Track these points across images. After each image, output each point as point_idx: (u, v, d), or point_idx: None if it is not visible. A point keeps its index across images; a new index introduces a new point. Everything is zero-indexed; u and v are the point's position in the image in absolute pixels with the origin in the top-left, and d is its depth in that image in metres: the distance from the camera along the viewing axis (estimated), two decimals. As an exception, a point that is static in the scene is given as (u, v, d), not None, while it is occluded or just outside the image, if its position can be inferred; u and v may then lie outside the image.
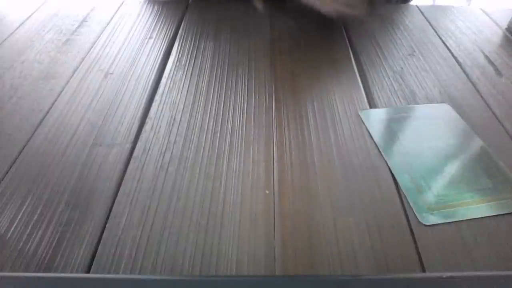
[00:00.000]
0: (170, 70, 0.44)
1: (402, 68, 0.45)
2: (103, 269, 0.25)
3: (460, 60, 0.46)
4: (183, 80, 0.42)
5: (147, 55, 0.46)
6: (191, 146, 0.34)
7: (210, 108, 0.38)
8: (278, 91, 0.41)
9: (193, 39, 0.50)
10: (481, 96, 0.40)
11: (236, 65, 0.45)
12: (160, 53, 0.47)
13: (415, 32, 0.52)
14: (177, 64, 0.45)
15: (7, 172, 0.31)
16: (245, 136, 0.35)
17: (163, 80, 0.42)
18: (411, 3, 0.62)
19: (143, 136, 0.35)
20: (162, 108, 0.38)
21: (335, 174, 0.31)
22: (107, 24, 0.53)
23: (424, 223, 0.28)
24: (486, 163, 0.32)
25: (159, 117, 0.37)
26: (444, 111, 0.38)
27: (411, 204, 0.29)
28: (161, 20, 0.54)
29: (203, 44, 0.49)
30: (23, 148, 0.34)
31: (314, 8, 0.46)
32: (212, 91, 0.40)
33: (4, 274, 0.24)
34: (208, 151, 0.33)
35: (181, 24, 0.53)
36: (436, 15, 0.56)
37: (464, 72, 0.44)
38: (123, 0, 0.59)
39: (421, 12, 0.57)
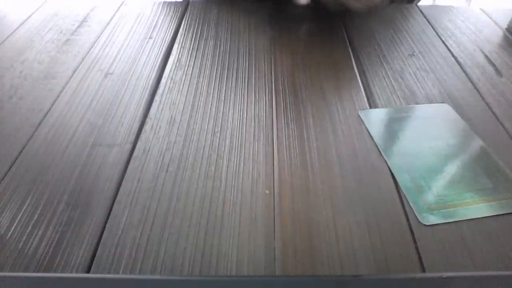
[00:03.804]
0: (170, 70, 0.44)
1: (402, 68, 0.45)
2: (103, 269, 0.25)
3: (460, 60, 0.46)
4: (183, 80, 0.42)
5: (147, 55, 0.46)
6: (191, 146, 0.34)
7: (210, 108, 0.38)
8: (278, 91, 0.41)
9: (193, 39, 0.50)
10: (481, 96, 0.40)
11: (236, 65, 0.45)
12: (160, 53, 0.47)
13: (415, 32, 0.52)
14: (177, 64, 0.45)
15: (7, 172, 0.31)
16: (245, 136, 0.35)
17: (163, 80, 0.42)
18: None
19: (143, 136, 0.35)
20: (162, 108, 0.38)
21: (335, 174, 0.31)
22: (107, 24, 0.53)
23: (424, 223, 0.28)
24: (486, 163, 0.32)
25: (159, 117, 0.37)
26: (444, 111, 0.38)
27: (411, 204, 0.29)
28: (161, 20, 0.54)
29: (203, 44, 0.49)
30: (23, 148, 0.34)
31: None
32: (212, 91, 0.40)
33: (4, 274, 0.24)
34: (208, 151, 0.33)
35: (181, 24, 0.53)
36: (436, 15, 0.56)
37: (464, 72, 0.44)
38: (123, 0, 0.59)
39: (421, 12, 0.57)
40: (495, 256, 0.26)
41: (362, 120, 0.37)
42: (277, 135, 0.35)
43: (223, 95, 0.40)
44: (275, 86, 0.41)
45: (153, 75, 0.43)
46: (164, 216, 0.28)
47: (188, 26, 0.53)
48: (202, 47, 0.48)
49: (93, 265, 0.25)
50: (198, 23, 0.53)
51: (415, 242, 0.26)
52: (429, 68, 0.44)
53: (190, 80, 0.42)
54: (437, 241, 0.27)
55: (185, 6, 0.58)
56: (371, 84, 0.42)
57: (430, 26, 0.53)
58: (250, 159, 0.33)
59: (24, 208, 0.28)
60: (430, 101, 0.39)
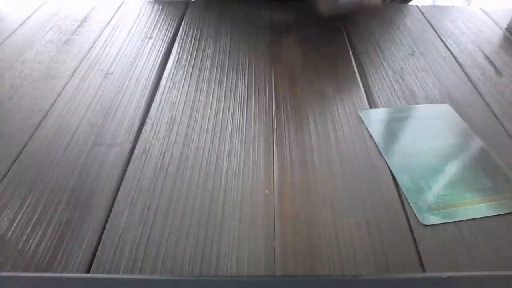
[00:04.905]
0: (170, 70, 0.44)
1: (402, 68, 0.45)
2: (103, 269, 0.25)
3: (460, 60, 0.46)
4: (183, 80, 0.42)
5: (147, 55, 0.46)
6: (191, 146, 0.34)
7: (210, 108, 0.38)
8: (278, 91, 0.41)
9: (193, 39, 0.50)
10: (481, 96, 0.40)
11: (236, 65, 0.45)
12: (160, 53, 0.47)
13: (415, 32, 0.52)
14: (177, 64, 0.45)
15: (7, 172, 0.31)
16: (245, 136, 0.35)
17: (163, 80, 0.42)
18: (411, 3, 0.62)
19: (143, 136, 0.35)
20: (162, 108, 0.38)
21: (335, 174, 0.31)
22: (107, 24, 0.53)
23: (424, 223, 0.28)
24: (486, 163, 0.32)
25: (159, 117, 0.37)
26: (444, 111, 0.38)
27: (411, 204, 0.29)
28: (161, 20, 0.54)
29: (203, 44, 0.49)
30: (23, 148, 0.34)
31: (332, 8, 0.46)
32: (212, 91, 0.40)
33: (4, 274, 0.24)
34: (208, 151, 0.33)
35: (181, 24, 0.53)
36: (436, 15, 0.56)
37: (464, 72, 0.44)
38: (123, 0, 0.59)
39: (421, 12, 0.57)
40: (495, 256, 0.26)
41: (362, 120, 0.37)
42: (277, 135, 0.35)
43: (223, 95, 0.40)
44: (275, 86, 0.41)
45: (153, 75, 0.43)
46: (164, 216, 0.28)
47: (188, 26, 0.53)
48: (202, 47, 0.48)
49: (93, 265, 0.25)
50: (198, 23, 0.53)
51: (415, 242, 0.26)
52: (429, 68, 0.44)
53: (190, 80, 0.42)
54: (437, 241, 0.27)
55: (185, 6, 0.58)
56: (371, 84, 0.42)
57: (430, 26, 0.53)
58: (250, 159, 0.33)
59: (24, 208, 0.28)
60: (430, 101, 0.39)
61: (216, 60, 0.45)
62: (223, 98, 0.40)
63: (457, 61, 0.46)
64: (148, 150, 0.33)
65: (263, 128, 0.36)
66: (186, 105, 0.38)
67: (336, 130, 0.36)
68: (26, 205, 0.29)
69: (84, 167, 0.32)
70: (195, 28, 0.52)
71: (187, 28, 0.52)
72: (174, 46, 0.48)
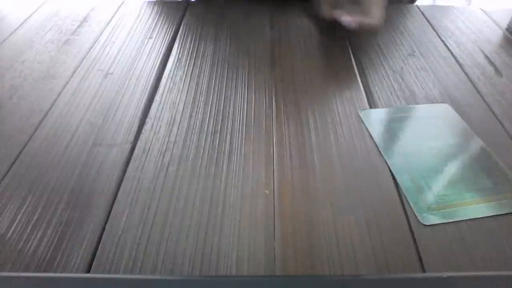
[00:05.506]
0: (170, 70, 0.44)
1: (402, 68, 0.45)
2: (103, 269, 0.25)
3: (460, 60, 0.46)
4: (183, 80, 0.42)
5: (147, 55, 0.46)
6: (191, 146, 0.34)
7: (210, 108, 0.38)
8: (278, 91, 0.41)
9: (193, 39, 0.50)
10: (481, 96, 0.40)
11: (236, 65, 0.45)
12: (160, 53, 0.47)
13: (415, 32, 0.52)
14: (177, 64, 0.45)
15: (7, 172, 0.31)
16: (245, 136, 0.35)
17: (163, 80, 0.42)
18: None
19: (143, 136, 0.35)
20: (162, 108, 0.38)
21: (335, 174, 0.31)
22: (107, 24, 0.53)
23: (424, 223, 0.28)
24: (486, 163, 0.32)
25: (159, 117, 0.37)
26: (444, 111, 0.38)
27: (411, 204, 0.29)
28: (161, 20, 0.54)
29: (203, 44, 0.49)
30: (23, 148, 0.34)
31: (333, 17, 0.46)
32: (212, 91, 0.40)
33: (4, 274, 0.24)
34: (208, 151, 0.33)
35: (181, 24, 0.53)
36: (436, 15, 0.56)
37: (464, 72, 0.44)
38: (123, 0, 0.59)
39: (421, 12, 0.57)
40: (495, 256, 0.26)
41: (362, 120, 0.37)
42: (277, 135, 0.35)
43: (223, 95, 0.40)
44: (275, 85, 0.41)
45: (153, 75, 0.43)
46: (164, 216, 0.28)
47: (188, 26, 0.53)
48: (202, 47, 0.48)
49: (93, 265, 0.25)
50: (198, 23, 0.53)
51: (415, 242, 0.26)
52: (429, 68, 0.44)
53: (190, 80, 0.42)
54: (437, 241, 0.27)
55: (185, 6, 0.58)
56: (371, 84, 0.42)
57: (430, 26, 0.53)
58: (250, 159, 0.33)
59: (24, 208, 0.28)
60: (430, 101, 0.39)
61: (216, 60, 0.45)
62: (223, 98, 0.40)
63: (457, 61, 0.46)
64: (148, 150, 0.33)
65: (263, 128, 0.36)
66: (186, 105, 0.38)
67: (336, 130, 0.36)
68: (26, 205, 0.29)
69: (84, 167, 0.32)
70: (195, 28, 0.52)
71: (187, 28, 0.52)
72: (174, 46, 0.48)
